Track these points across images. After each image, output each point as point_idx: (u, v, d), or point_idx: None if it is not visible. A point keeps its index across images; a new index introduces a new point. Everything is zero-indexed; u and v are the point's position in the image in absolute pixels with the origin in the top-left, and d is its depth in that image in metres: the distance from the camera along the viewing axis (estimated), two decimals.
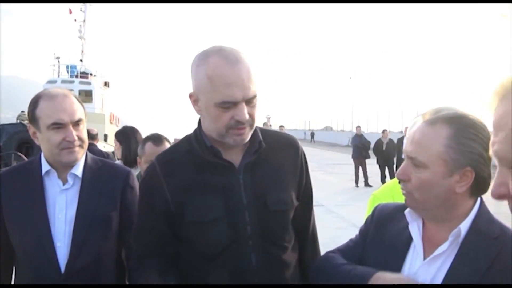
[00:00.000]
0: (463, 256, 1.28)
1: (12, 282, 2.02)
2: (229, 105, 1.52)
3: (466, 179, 1.29)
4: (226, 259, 1.61)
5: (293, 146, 1.80)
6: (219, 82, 1.50)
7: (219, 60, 1.51)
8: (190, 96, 1.62)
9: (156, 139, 2.92)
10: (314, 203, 1.91)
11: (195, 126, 1.75)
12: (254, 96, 1.56)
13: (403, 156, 1.46)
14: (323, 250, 1.72)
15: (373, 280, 1.34)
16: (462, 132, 1.27)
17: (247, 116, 1.54)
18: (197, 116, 1.70)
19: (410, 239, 1.42)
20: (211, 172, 1.63)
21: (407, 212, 1.42)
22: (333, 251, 1.64)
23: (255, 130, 1.67)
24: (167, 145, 2.83)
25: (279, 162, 1.72)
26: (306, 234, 1.88)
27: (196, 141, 1.67)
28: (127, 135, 3.69)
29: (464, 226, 1.30)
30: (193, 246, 1.65)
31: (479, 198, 1.36)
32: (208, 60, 1.53)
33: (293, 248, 1.76)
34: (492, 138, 0.76)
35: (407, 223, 1.42)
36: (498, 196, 0.77)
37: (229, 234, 1.61)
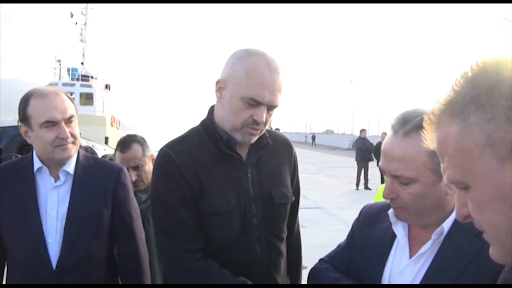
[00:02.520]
0: (444, 253, 1.28)
1: (4, 278, 2.02)
2: (254, 103, 1.60)
3: None
4: (234, 250, 1.67)
5: (289, 145, 1.93)
6: (255, 80, 1.59)
7: (262, 62, 1.61)
8: (217, 82, 1.68)
9: (122, 145, 2.71)
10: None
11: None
12: (276, 106, 1.66)
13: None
14: (322, 251, 1.76)
15: None
16: None
17: (264, 119, 1.63)
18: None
19: (393, 237, 1.42)
20: (223, 164, 1.69)
21: (390, 212, 1.40)
22: (323, 259, 1.68)
23: None
24: (136, 147, 2.68)
25: (278, 159, 1.84)
26: (293, 227, 2.00)
27: (205, 132, 1.72)
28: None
29: (447, 225, 1.30)
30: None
31: None
32: (252, 57, 1.62)
33: (285, 239, 1.86)
34: (441, 166, 0.77)
35: (391, 223, 1.42)
36: (463, 218, 0.78)
37: (239, 225, 1.68)
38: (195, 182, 1.64)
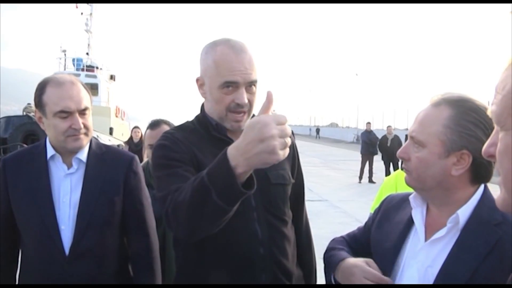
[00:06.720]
0: (463, 242, 1.29)
1: (18, 264, 2.05)
2: (231, 86, 1.66)
3: (463, 163, 1.29)
4: (233, 230, 1.65)
5: None
6: (224, 67, 1.66)
7: (225, 49, 1.68)
8: (197, 80, 1.78)
9: (153, 124, 3.08)
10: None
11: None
12: (255, 81, 1.70)
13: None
14: (326, 244, 1.77)
15: (340, 268, 1.49)
16: (463, 115, 1.29)
17: (246, 100, 1.68)
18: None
19: (411, 223, 1.44)
20: (216, 147, 1.69)
21: (411, 197, 1.44)
22: (340, 236, 1.74)
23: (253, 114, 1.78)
24: (164, 126, 2.98)
25: None
26: (301, 216, 2.00)
27: (198, 122, 1.82)
28: None
29: (463, 212, 1.30)
30: None
31: (482, 186, 1.35)
32: (216, 48, 1.70)
33: (291, 225, 1.88)
34: (492, 100, 0.81)
35: (411, 210, 1.44)
36: (487, 155, 0.82)
37: (237, 205, 1.67)
38: (193, 157, 1.68)
